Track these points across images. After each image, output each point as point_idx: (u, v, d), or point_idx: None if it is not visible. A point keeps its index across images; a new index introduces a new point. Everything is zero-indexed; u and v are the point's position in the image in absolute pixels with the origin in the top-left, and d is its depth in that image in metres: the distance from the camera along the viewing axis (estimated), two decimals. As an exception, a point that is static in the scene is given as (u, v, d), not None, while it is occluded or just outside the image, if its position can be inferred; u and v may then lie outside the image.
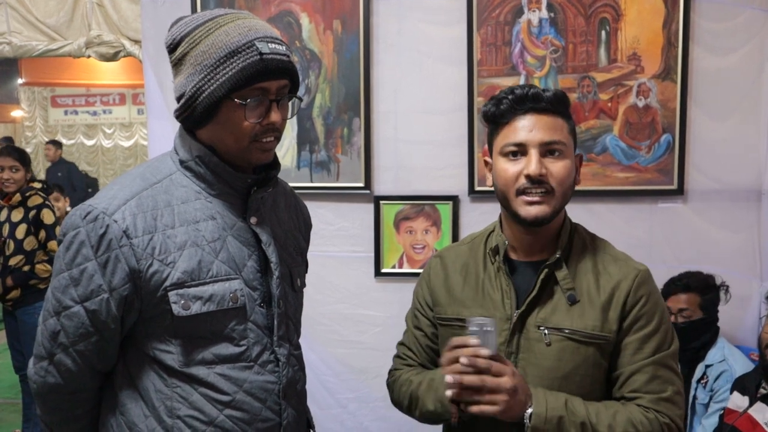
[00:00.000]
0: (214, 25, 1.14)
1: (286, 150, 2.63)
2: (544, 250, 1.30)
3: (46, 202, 3.47)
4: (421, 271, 1.58)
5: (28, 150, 8.13)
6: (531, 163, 1.21)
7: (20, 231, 3.36)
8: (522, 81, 2.48)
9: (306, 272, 1.42)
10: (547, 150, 1.23)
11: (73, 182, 7.39)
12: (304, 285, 1.38)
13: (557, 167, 1.23)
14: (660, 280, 2.36)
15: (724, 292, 2.31)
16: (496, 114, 1.26)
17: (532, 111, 1.24)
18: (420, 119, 2.57)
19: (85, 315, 1.12)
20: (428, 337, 1.41)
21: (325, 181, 2.63)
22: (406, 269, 2.61)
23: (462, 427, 1.25)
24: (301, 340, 1.36)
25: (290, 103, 1.23)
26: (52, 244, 3.38)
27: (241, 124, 1.15)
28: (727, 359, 2.24)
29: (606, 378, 1.28)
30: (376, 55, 2.57)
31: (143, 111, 8.55)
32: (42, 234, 3.39)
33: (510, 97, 1.25)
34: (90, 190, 6.14)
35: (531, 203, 1.22)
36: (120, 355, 1.20)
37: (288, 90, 1.20)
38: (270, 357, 1.22)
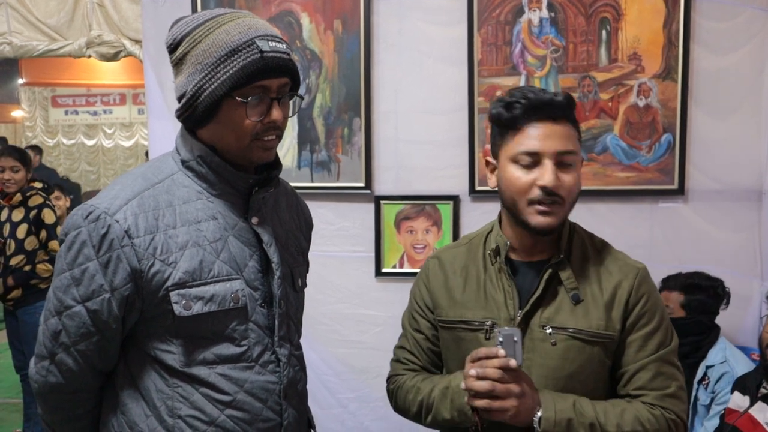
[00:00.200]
0: (214, 24, 1.14)
1: (286, 150, 2.63)
2: (544, 250, 1.30)
3: (47, 202, 3.48)
4: (421, 271, 1.57)
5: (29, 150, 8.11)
6: (546, 175, 1.20)
7: (21, 231, 3.37)
8: (522, 81, 2.48)
9: (307, 272, 1.42)
10: (560, 160, 1.22)
11: None
12: (305, 285, 1.38)
13: (569, 179, 1.22)
14: (660, 280, 2.37)
15: (726, 301, 2.30)
16: (508, 119, 1.23)
17: (546, 118, 1.22)
18: (420, 119, 2.57)
19: (86, 315, 1.12)
20: (429, 340, 1.40)
21: (326, 180, 2.63)
22: (406, 269, 2.61)
23: None
24: (301, 340, 1.36)
25: (291, 102, 1.23)
26: (53, 244, 3.39)
27: (243, 122, 1.15)
28: (728, 360, 2.24)
29: (609, 376, 1.29)
30: (377, 55, 2.57)
31: (144, 111, 8.54)
32: (43, 234, 3.40)
33: (523, 102, 1.21)
34: (71, 196, 6.11)
35: (542, 213, 1.22)
36: (121, 354, 1.20)
37: (289, 88, 1.20)
38: (271, 357, 1.22)
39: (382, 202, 2.60)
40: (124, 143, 11.43)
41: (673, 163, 2.43)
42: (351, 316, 2.67)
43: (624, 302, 1.26)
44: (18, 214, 3.40)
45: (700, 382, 2.28)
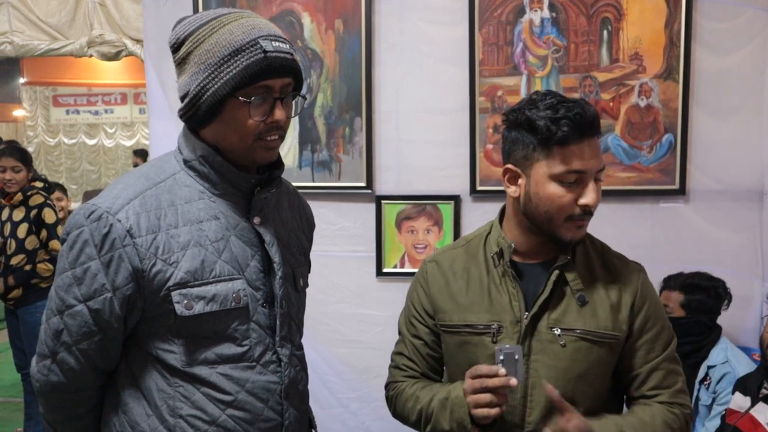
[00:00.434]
0: (217, 24, 1.14)
1: (287, 149, 2.63)
2: (548, 251, 1.30)
3: (48, 202, 3.48)
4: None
5: (30, 149, 8.13)
6: (590, 194, 1.21)
7: (22, 230, 3.37)
8: (524, 81, 2.48)
9: (309, 272, 1.42)
10: (596, 176, 1.23)
11: None
12: (306, 285, 1.38)
13: (599, 194, 1.24)
14: (660, 281, 2.37)
15: (727, 302, 2.30)
16: (556, 135, 1.19)
17: (592, 135, 1.21)
18: (422, 119, 2.57)
19: (88, 314, 1.12)
20: (428, 346, 1.39)
21: (327, 180, 2.63)
22: (407, 269, 2.61)
23: None
24: (302, 340, 1.35)
25: (294, 102, 1.23)
26: (54, 244, 3.39)
27: (246, 122, 1.15)
28: (730, 361, 2.24)
29: (612, 376, 1.30)
30: (378, 55, 2.57)
31: (145, 110, 8.55)
32: (43, 233, 3.40)
33: (571, 116, 1.18)
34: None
35: (579, 227, 1.24)
36: (123, 354, 1.20)
37: (292, 88, 1.20)
38: (272, 357, 1.22)
39: (383, 201, 2.60)
40: (125, 143, 11.44)
41: (674, 163, 2.42)
42: (352, 315, 2.67)
43: (630, 304, 1.28)
44: (19, 214, 3.40)
45: (701, 382, 2.27)
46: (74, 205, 5.67)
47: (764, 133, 2.41)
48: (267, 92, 1.15)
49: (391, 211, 2.61)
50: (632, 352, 1.29)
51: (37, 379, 1.19)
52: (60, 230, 3.42)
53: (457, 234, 2.56)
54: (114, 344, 1.17)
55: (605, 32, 2.44)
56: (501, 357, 1.15)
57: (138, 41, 3.07)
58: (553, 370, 1.24)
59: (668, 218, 2.47)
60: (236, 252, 1.19)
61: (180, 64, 1.18)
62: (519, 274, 1.30)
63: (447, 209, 2.57)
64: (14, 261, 3.35)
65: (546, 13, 2.46)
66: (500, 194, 2.43)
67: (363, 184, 2.60)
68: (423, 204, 2.59)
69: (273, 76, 1.14)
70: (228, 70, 1.12)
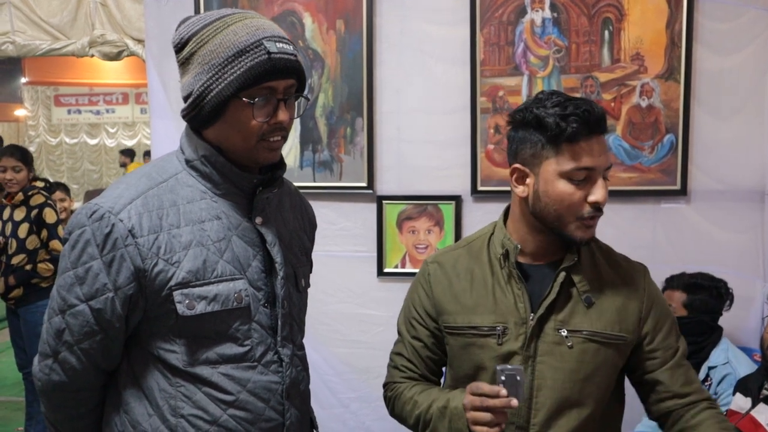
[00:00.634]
0: (221, 25, 1.14)
1: (289, 150, 2.63)
2: (554, 252, 1.29)
3: (48, 201, 3.48)
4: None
5: (31, 149, 8.14)
6: (599, 191, 1.20)
7: (22, 230, 3.37)
8: (525, 81, 2.48)
9: (311, 272, 1.42)
10: (604, 174, 1.23)
11: None
12: (308, 285, 1.38)
13: (607, 191, 1.23)
14: (663, 281, 2.37)
15: (729, 302, 2.30)
16: (566, 132, 1.18)
17: (600, 132, 1.21)
18: (423, 119, 2.57)
19: (89, 313, 1.12)
20: (428, 348, 1.38)
21: (328, 180, 2.63)
22: (408, 269, 2.61)
23: None
24: (303, 340, 1.36)
25: (297, 103, 1.23)
26: (54, 243, 3.39)
27: (249, 123, 1.15)
28: (730, 361, 2.24)
29: (616, 377, 1.30)
30: (379, 55, 2.57)
31: (146, 110, 8.56)
32: (44, 233, 3.40)
33: (579, 113, 1.18)
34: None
35: (588, 227, 1.23)
36: (124, 354, 1.20)
37: (295, 89, 1.20)
38: (273, 357, 1.22)
39: (384, 202, 2.60)
40: (126, 142, 11.45)
41: (675, 163, 2.42)
42: (353, 316, 2.67)
43: (637, 306, 1.28)
44: (19, 214, 3.40)
45: (702, 383, 2.27)
46: (77, 205, 5.68)
47: (766, 133, 2.41)
48: (271, 93, 1.15)
49: (392, 211, 2.61)
50: (650, 353, 1.28)
51: (39, 379, 1.19)
52: (61, 230, 3.42)
53: (458, 234, 2.55)
54: (115, 344, 1.17)
55: (606, 32, 2.44)
56: (503, 378, 1.14)
57: (139, 41, 3.07)
58: (559, 371, 1.24)
59: (669, 219, 2.47)
60: (238, 252, 1.19)
61: (183, 64, 1.18)
62: (524, 276, 1.29)
63: (448, 209, 2.57)
64: (15, 261, 3.35)
65: (547, 14, 2.46)
66: (501, 194, 2.44)
67: (364, 185, 2.60)
68: (424, 204, 2.59)
69: (277, 78, 1.14)
70: (232, 71, 1.12)
